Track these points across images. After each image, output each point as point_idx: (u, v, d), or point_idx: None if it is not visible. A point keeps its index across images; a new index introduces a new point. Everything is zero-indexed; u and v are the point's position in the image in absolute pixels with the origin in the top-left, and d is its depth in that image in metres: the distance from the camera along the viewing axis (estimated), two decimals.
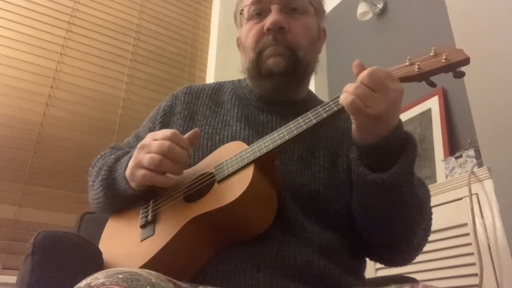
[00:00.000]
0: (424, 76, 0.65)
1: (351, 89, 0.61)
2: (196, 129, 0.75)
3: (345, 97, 0.61)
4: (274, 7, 0.81)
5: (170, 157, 0.67)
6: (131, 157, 0.74)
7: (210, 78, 2.56)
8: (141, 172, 0.69)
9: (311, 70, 0.86)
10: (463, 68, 0.64)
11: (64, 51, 2.16)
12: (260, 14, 0.83)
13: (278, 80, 0.81)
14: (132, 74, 2.33)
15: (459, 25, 1.55)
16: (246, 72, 0.86)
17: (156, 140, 0.69)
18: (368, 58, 2.28)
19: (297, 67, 0.81)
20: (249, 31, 0.84)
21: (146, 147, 0.70)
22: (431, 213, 0.76)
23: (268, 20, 0.80)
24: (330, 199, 0.74)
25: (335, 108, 0.65)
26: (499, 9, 1.40)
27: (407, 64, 0.66)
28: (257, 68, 0.82)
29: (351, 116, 0.63)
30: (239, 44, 0.90)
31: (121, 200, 0.78)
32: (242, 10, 0.86)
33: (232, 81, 0.95)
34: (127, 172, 0.73)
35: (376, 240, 0.74)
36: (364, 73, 0.61)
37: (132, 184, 0.72)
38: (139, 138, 0.92)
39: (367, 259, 0.81)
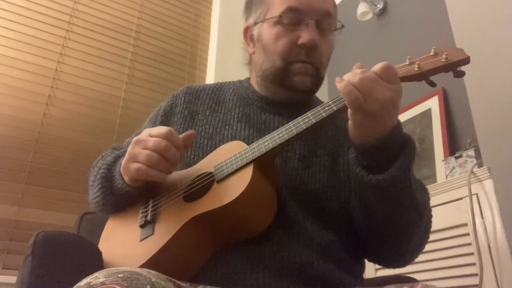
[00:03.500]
0: (424, 76, 0.64)
1: (356, 80, 0.60)
2: (192, 131, 0.75)
3: (345, 85, 0.61)
4: (311, 23, 0.79)
5: (164, 156, 0.68)
6: None
7: (210, 78, 2.56)
8: (135, 165, 0.69)
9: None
10: (463, 68, 0.64)
11: (64, 51, 2.15)
12: (292, 23, 0.80)
13: (299, 96, 0.83)
14: (132, 74, 2.33)
15: (459, 25, 1.55)
16: (260, 73, 0.85)
17: (152, 136, 0.70)
18: (368, 58, 2.28)
19: (317, 85, 0.85)
20: (278, 37, 0.80)
21: (142, 142, 0.70)
22: (430, 217, 0.75)
23: (306, 36, 0.77)
24: (330, 198, 0.74)
25: (335, 108, 0.65)
26: (499, 9, 1.40)
27: (407, 63, 0.65)
28: (280, 77, 0.81)
29: (349, 110, 0.62)
30: (257, 40, 0.85)
31: (118, 198, 0.78)
32: (281, 16, 0.80)
33: (233, 82, 0.95)
34: (121, 167, 0.73)
35: (373, 241, 0.74)
36: (378, 66, 0.62)
37: (126, 179, 0.73)
38: None
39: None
